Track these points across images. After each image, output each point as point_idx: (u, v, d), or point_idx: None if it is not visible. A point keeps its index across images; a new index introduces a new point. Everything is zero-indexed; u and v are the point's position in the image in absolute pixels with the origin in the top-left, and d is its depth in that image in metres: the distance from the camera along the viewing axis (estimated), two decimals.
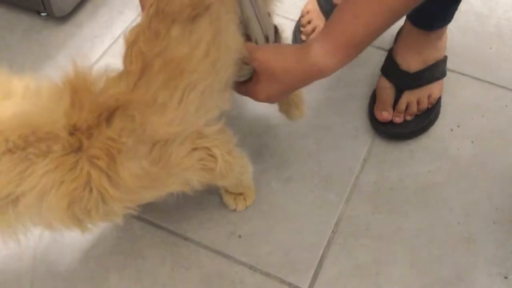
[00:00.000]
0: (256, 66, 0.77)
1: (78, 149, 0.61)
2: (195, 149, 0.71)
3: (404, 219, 0.94)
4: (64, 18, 1.21)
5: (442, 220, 0.93)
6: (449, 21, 1.02)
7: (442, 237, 0.92)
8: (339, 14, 0.72)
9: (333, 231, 0.92)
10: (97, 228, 0.79)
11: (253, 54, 0.76)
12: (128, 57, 0.66)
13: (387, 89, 1.04)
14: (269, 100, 0.81)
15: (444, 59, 1.06)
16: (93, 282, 0.87)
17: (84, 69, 0.64)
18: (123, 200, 0.66)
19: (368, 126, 1.05)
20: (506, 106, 1.08)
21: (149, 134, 0.65)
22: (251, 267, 0.88)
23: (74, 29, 1.21)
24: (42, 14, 1.21)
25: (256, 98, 0.81)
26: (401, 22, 1.07)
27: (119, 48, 0.68)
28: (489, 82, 1.11)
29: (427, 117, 1.04)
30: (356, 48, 0.72)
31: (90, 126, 0.62)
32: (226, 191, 0.92)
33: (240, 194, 0.92)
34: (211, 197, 0.94)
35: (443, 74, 1.05)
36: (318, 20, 1.14)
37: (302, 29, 1.16)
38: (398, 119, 1.02)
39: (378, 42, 1.15)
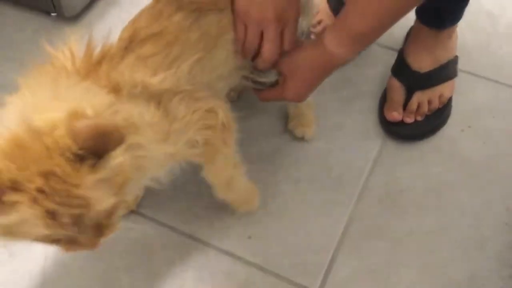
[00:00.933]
0: (283, 68, 0.84)
1: None
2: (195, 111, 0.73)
3: (415, 221, 0.93)
4: (73, 18, 1.21)
5: (454, 222, 0.93)
6: (459, 18, 1.01)
7: (453, 239, 0.91)
8: (348, 8, 0.77)
9: (343, 233, 0.92)
10: None
11: (281, 59, 0.83)
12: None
13: (398, 90, 1.03)
14: (298, 97, 0.88)
15: (455, 59, 1.05)
16: (103, 282, 0.87)
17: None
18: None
19: (378, 127, 1.04)
20: None
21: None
22: (261, 268, 0.88)
23: (83, 30, 1.21)
24: (52, 14, 1.21)
25: (286, 98, 0.87)
26: (411, 22, 1.06)
27: None
28: (500, 83, 1.10)
29: (438, 117, 1.03)
30: (366, 37, 0.80)
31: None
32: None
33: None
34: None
35: (454, 74, 1.05)
36: (328, 19, 1.13)
37: (312, 29, 1.15)
38: (409, 120, 1.02)
39: (387, 42, 1.15)
